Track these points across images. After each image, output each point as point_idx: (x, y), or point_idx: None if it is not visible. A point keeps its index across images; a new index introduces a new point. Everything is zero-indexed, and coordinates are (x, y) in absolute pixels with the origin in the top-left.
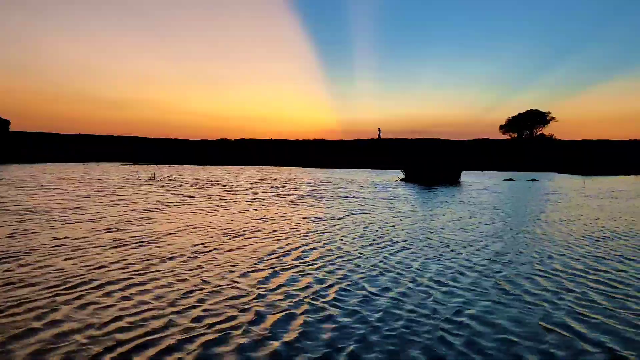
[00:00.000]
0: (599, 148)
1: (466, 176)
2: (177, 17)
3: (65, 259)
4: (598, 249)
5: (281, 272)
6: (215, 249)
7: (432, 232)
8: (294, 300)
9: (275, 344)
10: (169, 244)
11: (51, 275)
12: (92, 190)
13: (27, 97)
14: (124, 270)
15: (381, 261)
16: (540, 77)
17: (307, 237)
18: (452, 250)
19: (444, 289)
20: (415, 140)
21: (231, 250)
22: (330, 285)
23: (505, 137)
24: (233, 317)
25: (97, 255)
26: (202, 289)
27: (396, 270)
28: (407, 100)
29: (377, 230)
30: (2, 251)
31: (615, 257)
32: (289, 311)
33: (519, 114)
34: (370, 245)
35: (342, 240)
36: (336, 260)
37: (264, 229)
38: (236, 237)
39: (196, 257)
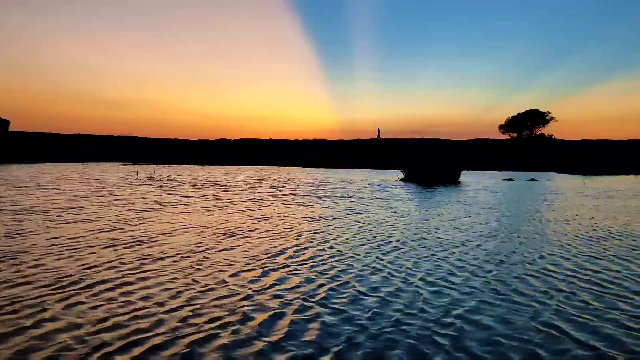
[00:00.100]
0: (598, 148)
1: (466, 176)
2: (177, 17)
3: (60, 259)
4: (590, 249)
5: (272, 272)
6: (209, 248)
7: (426, 232)
8: (283, 299)
9: (261, 344)
10: (163, 244)
11: (45, 275)
12: (90, 190)
13: (27, 97)
14: (117, 270)
15: (374, 260)
16: (540, 77)
17: (301, 237)
18: (444, 250)
19: (433, 288)
20: (415, 140)
21: (225, 250)
22: (321, 285)
23: (505, 137)
24: (221, 317)
25: (92, 255)
26: (192, 289)
27: (388, 270)
28: (407, 100)
29: (372, 230)
30: None
31: (607, 257)
32: (276, 310)
33: (519, 114)
34: (364, 244)
35: (335, 240)
36: (328, 260)
37: (259, 228)
38: (231, 236)
39: (189, 257)
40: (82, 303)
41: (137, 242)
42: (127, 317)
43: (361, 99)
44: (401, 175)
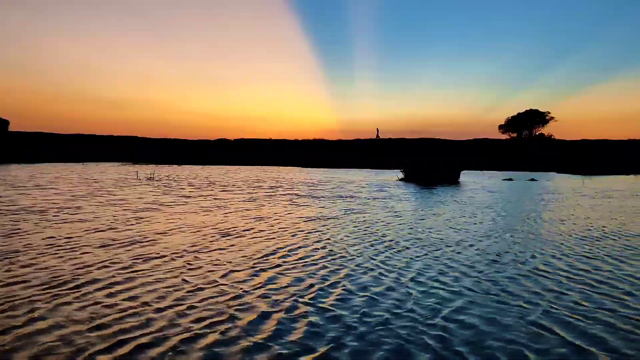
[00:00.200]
0: (598, 148)
1: (466, 176)
2: (177, 17)
3: (54, 259)
4: (583, 248)
5: (263, 272)
6: (203, 248)
7: (420, 232)
8: (272, 299)
9: (248, 343)
10: (158, 244)
11: (37, 275)
12: (88, 190)
13: (27, 97)
14: (109, 270)
15: (366, 260)
16: (540, 77)
17: (295, 237)
18: (437, 250)
19: (423, 288)
20: (415, 140)
21: (219, 249)
22: (311, 285)
23: (504, 137)
24: (209, 317)
25: (86, 254)
26: (182, 289)
27: (379, 270)
28: (407, 100)
29: (366, 229)
30: None
31: (599, 257)
32: (265, 310)
33: (518, 114)
34: (357, 244)
35: (329, 239)
36: (320, 260)
37: (254, 228)
38: (226, 236)
39: (183, 257)
40: (72, 303)
41: (132, 242)
42: (115, 317)
43: (361, 99)
44: (401, 175)
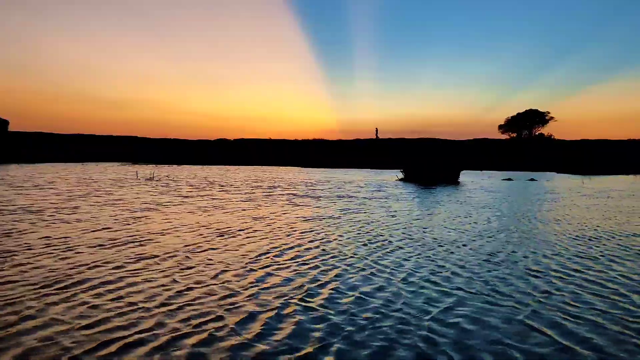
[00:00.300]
0: (598, 148)
1: (465, 176)
2: (177, 17)
3: (52, 259)
4: (576, 248)
5: (255, 272)
6: (198, 248)
7: (416, 231)
8: (261, 299)
9: (234, 343)
10: (154, 244)
11: (31, 274)
12: (87, 190)
13: (27, 97)
14: (103, 270)
15: (358, 260)
16: (540, 77)
17: (291, 236)
18: (430, 249)
19: (413, 288)
20: (414, 140)
21: (213, 249)
22: (302, 285)
23: (504, 137)
24: (199, 317)
25: (81, 254)
26: (173, 289)
27: (371, 269)
28: (407, 100)
29: (360, 229)
30: None
31: (591, 257)
32: (252, 310)
33: (518, 114)
34: (351, 243)
35: (324, 239)
36: (311, 261)
37: (251, 228)
38: (222, 236)
39: (178, 257)
40: (64, 303)
41: (128, 242)
42: (105, 316)
43: (361, 99)
44: (401, 175)
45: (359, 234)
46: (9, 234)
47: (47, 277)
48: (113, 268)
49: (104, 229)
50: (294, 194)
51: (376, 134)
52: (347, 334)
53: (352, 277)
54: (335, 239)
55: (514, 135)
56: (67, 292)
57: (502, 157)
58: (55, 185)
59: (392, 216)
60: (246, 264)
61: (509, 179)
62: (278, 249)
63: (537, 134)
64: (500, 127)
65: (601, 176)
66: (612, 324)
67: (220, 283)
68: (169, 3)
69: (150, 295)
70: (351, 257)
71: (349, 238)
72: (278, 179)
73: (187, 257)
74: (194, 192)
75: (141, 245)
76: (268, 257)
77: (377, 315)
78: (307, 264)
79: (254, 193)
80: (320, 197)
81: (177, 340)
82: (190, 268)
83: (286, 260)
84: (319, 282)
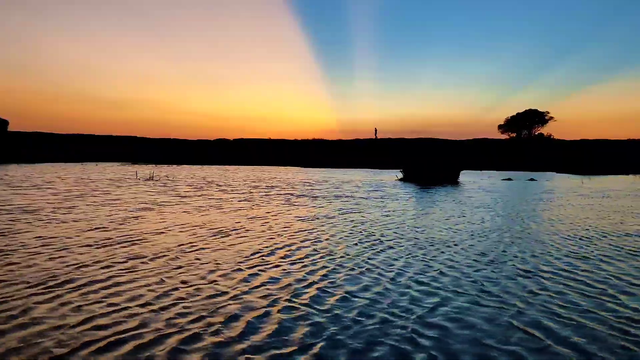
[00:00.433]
0: (598, 148)
1: (465, 176)
2: (177, 17)
3: (48, 258)
4: (568, 248)
5: (244, 270)
6: (195, 248)
7: (409, 232)
8: (245, 299)
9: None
10: (151, 244)
11: (29, 274)
12: (85, 190)
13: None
14: (103, 270)
15: (349, 259)
16: (540, 77)
17: (281, 237)
18: (420, 249)
19: (400, 287)
20: (414, 140)
21: (205, 249)
22: (288, 285)
23: (504, 137)
24: (185, 316)
25: (80, 254)
26: (179, 289)
27: (360, 269)
28: (407, 100)
29: (353, 228)
30: None
31: (582, 256)
32: (237, 311)
33: (518, 114)
34: (342, 243)
35: (317, 239)
36: (300, 260)
37: (245, 228)
38: (215, 236)
39: (171, 256)
40: (68, 302)
41: (128, 242)
42: (107, 318)
43: (361, 99)
44: (400, 175)
45: (351, 233)
46: (4, 234)
47: (39, 277)
48: (102, 267)
49: (99, 228)
50: (291, 194)
51: (375, 134)
52: (330, 334)
53: (339, 277)
54: (327, 239)
55: (514, 135)
56: (56, 291)
57: (502, 157)
58: (53, 185)
59: (387, 216)
60: (236, 263)
61: (509, 179)
62: (269, 249)
63: (536, 134)
64: (500, 127)
65: (601, 176)
66: (596, 323)
67: (207, 283)
68: (169, 3)
69: (137, 295)
70: (341, 256)
71: (340, 238)
72: (277, 179)
73: (177, 257)
74: (193, 192)
75: (134, 245)
76: (258, 257)
77: (361, 316)
78: (296, 263)
79: (251, 193)
80: (317, 197)
81: (161, 339)
82: (179, 268)
83: (276, 259)
84: (306, 282)
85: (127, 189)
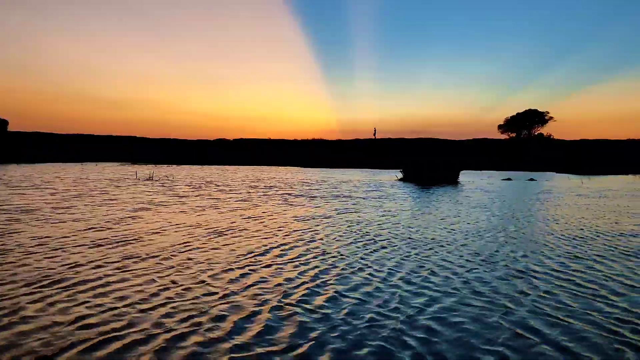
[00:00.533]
0: (598, 148)
1: (465, 176)
2: (177, 17)
3: (41, 258)
4: (560, 248)
5: (232, 271)
6: (192, 248)
7: (402, 231)
8: (232, 299)
9: (231, 344)
10: (148, 244)
11: (25, 274)
12: (84, 190)
13: (27, 97)
14: (98, 270)
15: (341, 258)
16: (540, 77)
17: (276, 237)
18: (413, 249)
19: (389, 287)
20: (414, 139)
21: (199, 249)
22: (279, 284)
23: (504, 137)
24: (173, 315)
25: (73, 254)
26: (169, 289)
27: (351, 269)
28: (407, 100)
29: (348, 227)
30: None
31: (574, 256)
32: (222, 309)
33: (517, 114)
34: (335, 242)
35: (311, 238)
36: (292, 260)
37: (245, 228)
38: (216, 236)
39: (170, 256)
40: (58, 302)
41: (123, 242)
42: (98, 318)
43: (361, 99)
44: (400, 175)
45: (345, 233)
46: (5, 233)
47: (41, 277)
48: (94, 267)
49: (95, 228)
50: (290, 194)
51: (374, 134)
52: (317, 334)
53: (330, 277)
54: (320, 239)
55: (514, 135)
56: (46, 291)
57: (501, 157)
58: (52, 185)
59: (383, 216)
60: (227, 263)
61: (509, 179)
62: (262, 249)
63: (536, 134)
64: (499, 127)
65: (601, 176)
66: (584, 324)
67: (197, 283)
68: (169, 3)
69: (126, 295)
70: (334, 256)
71: (334, 237)
72: (276, 179)
73: (170, 256)
74: (192, 192)
75: (127, 245)
76: (251, 257)
77: (349, 316)
78: (288, 263)
79: (249, 193)
80: (315, 197)
81: (147, 340)
82: (171, 268)
83: (268, 259)
84: (297, 282)
85: (125, 189)
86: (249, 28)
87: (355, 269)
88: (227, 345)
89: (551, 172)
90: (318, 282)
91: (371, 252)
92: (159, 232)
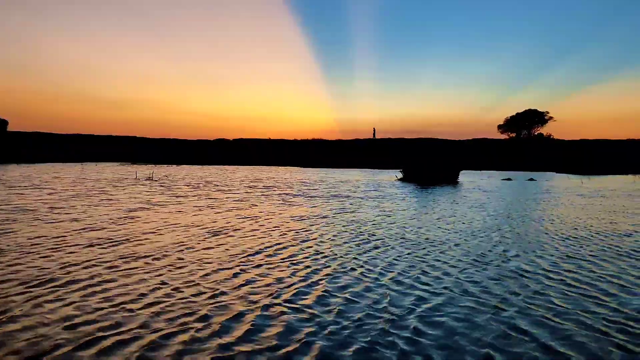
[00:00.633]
0: (598, 148)
1: (465, 176)
2: (177, 17)
3: (36, 258)
4: (554, 248)
5: (227, 270)
6: (189, 248)
7: (397, 231)
8: (225, 298)
9: (219, 343)
10: (145, 244)
11: (20, 274)
12: (83, 190)
13: (27, 97)
14: (92, 270)
15: (334, 258)
16: (539, 77)
17: (271, 237)
18: (407, 248)
19: (380, 287)
20: (414, 139)
21: (204, 249)
22: (269, 284)
23: (504, 136)
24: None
25: (68, 254)
26: (159, 289)
27: (344, 268)
28: (407, 100)
29: (344, 227)
30: None
31: (567, 256)
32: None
33: (517, 114)
34: (329, 242)
35: (305, 239)
36: (285, 260)
37: (244, 228)
38: (214, 236)
39: (167, 256)
40: (47, 303)
41: (120, 242)
42: (84, 318)
43: (361, 99)
44: (400, 175)
45: (340, 233)
46: (3, 233)
47: (39, 276)
48: (86, 267)
49: (91, 228)
50: (288, 194)
51: (373, 134)
52: (303, 335)
53: (321, 276)
54: (314, 239)
55: (514, 135)
56: (37, 290)
57: (501, 157)
58: (51, 185)
59: (378, 216)
60: (219, 263)
61: (509, 179)
62: (255, 249)
63: (536, 134)
64: (499, 127)
65: (601, 176)
66: (573, 324)
67: (187, 283)
68: (169, 3)
69: (115, 295)
70: (326, 256)
71: (329, 237)
72: (276, 179)
73: (163, 256)
74: (191, 192)
75: (122, 245)
76: (243, 257)
77: (337, 316)
78: (280, 263)
79: (248, 193)
80: (313, 196)
81: (133, 339)
82: (163, 268)
83: (260, 259)
84: (287, 282)
85: (126, 189)
86: (249, 28)
87: (347, 269)
88: (212, 344)
89: (551, 172)
90: (309, 282)
91: (364, 252)
92: (154, 232)
